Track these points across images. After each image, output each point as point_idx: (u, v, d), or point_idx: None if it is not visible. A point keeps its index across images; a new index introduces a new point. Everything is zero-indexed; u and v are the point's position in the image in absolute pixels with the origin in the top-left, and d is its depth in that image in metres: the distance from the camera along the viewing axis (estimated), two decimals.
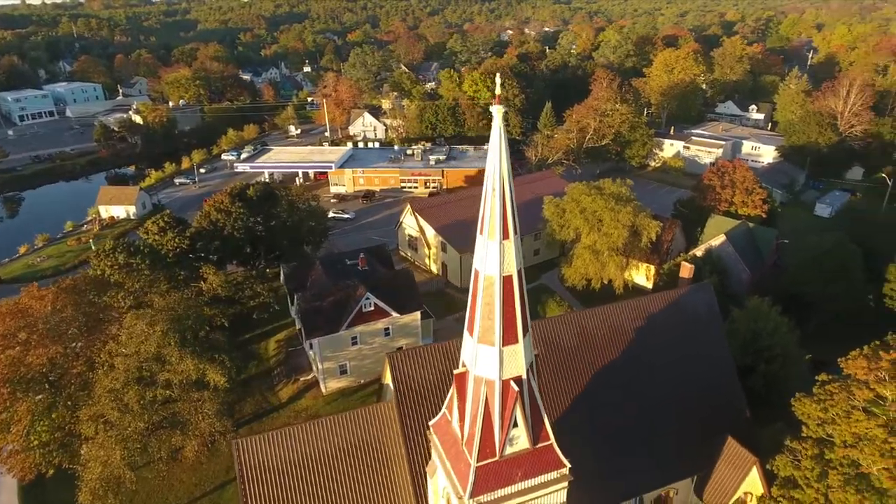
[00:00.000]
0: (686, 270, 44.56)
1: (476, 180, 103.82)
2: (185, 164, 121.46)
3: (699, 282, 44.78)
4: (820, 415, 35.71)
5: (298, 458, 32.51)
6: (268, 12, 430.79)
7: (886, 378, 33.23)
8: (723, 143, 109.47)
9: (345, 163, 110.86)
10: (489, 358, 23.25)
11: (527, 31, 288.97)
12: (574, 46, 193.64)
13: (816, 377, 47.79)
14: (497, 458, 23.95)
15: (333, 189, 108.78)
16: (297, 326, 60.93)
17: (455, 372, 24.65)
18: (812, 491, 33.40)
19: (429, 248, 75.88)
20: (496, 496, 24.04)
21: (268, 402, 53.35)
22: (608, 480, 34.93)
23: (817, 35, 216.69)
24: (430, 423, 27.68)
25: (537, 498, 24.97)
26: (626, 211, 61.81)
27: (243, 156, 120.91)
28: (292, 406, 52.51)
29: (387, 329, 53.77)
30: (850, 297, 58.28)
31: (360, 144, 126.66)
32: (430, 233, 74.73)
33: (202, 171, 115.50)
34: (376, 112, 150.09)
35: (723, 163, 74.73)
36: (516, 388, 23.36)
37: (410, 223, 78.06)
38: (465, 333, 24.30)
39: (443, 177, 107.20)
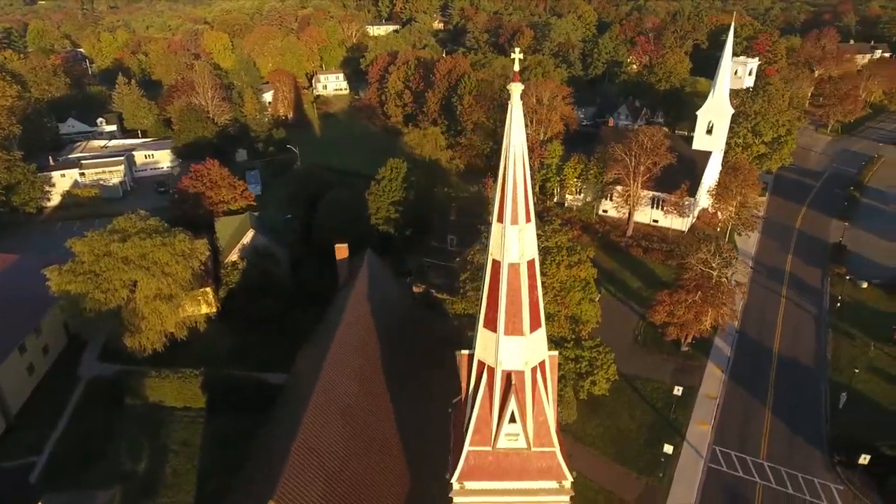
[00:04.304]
0: (342, 251, 45.50)
1: None
2: None
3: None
4: None
5: None
6: None
7: None
8: (119, 158, 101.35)
9: None
10: (539, 339, 22.24)
11: None
12: None
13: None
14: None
15: None
16: None
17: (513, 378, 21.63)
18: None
19: None
20: None
21: None
22: None
23: (84, 44, 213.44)
24: (451, 478, 22.79)
25: None
26: (179, 238, 53.40)
27: None
28: None
29: None
30: (361, 229, 71.70)
31: None
32: None
33: None
34: None
35: (197, 167, 72.34)
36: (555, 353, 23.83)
37: None
38: (512, 340, 21.49)
39: None
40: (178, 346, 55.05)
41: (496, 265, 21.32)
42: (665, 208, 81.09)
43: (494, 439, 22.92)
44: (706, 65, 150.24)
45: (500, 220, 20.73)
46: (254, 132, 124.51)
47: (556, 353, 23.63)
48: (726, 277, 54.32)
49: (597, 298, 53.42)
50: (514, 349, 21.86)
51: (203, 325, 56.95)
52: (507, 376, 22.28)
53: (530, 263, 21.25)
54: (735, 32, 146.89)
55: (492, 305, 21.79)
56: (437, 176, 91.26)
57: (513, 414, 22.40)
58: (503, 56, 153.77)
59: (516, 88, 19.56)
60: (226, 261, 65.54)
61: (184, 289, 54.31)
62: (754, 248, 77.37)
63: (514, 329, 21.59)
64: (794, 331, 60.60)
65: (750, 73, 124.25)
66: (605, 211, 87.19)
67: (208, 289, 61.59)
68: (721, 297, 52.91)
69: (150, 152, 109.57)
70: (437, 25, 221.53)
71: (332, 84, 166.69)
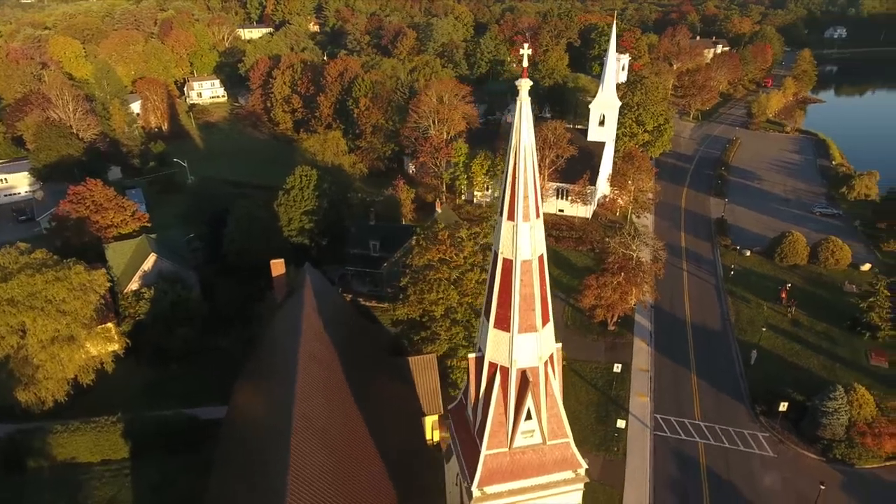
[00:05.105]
0: (278, 266, 42.23)
1: None
2: None
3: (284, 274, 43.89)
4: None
5: None
6: None
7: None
8: None
9: None
10: (549, 333, 22.14)
11: None
12: None
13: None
14: None
15: None
16: None
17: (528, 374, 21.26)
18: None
19: None
20: None
21: None
22: None
23: None
24: (471, 485, 21.65)
25: None
26: (76, 271, 46.99)
27: None
28: None
29: None
30: (274, 243, 67.53)
31: None
32: None
33: None
34: None
35: (77, 189, 63.84)
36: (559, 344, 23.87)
37: None
38: (526, 338, 21.14)
39: None
40: (83, 392, 48.70)
41: (507, 264, 20.80)
42: (570, 198, 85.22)
43: (511, 439, 22.48)
44: (580, 61, 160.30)
45: (511, 217, 20.22)
46: (126, 147, 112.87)
47: (559, 344, 23.66)
48: (643, 257, 58.17)
49: None
50: (528, 346, 21.53)
51: (111, 366, 50.56)
52: (522, 374, 21.94)
53: (540, 259, 21.02)
54: (602, 31, 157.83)
55: (503, 305, 21.24)
56: (343, 181, 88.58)
57: (528, 411, 22.13)
58: (388, 57, 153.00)
59: (525, 84, 19.02)
60: (125, 291, 58.72)
61: (85, 327, 47.91)
62: (651, 229, 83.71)
63: (527, 326, 21.24)
64: (699, 300, 66.40)
65: (623, 69, 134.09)
66: None
67: (110, 324, 54.79)
68: (642, 275, 56.56)
69: (2, 176, 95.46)
70: (313, 28, 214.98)
71: (208, 91, 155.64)
